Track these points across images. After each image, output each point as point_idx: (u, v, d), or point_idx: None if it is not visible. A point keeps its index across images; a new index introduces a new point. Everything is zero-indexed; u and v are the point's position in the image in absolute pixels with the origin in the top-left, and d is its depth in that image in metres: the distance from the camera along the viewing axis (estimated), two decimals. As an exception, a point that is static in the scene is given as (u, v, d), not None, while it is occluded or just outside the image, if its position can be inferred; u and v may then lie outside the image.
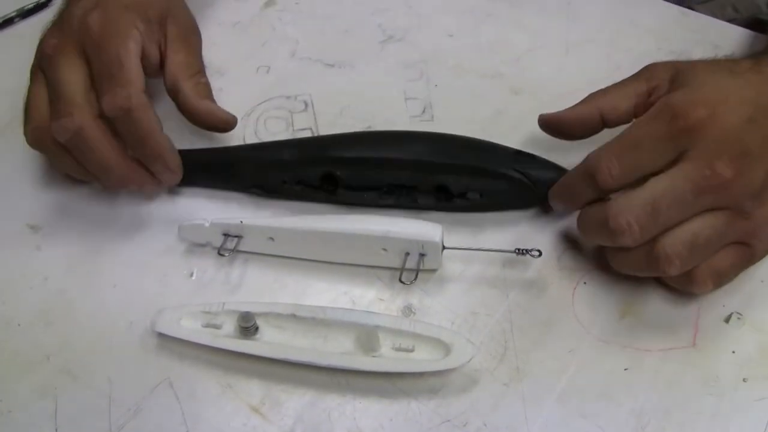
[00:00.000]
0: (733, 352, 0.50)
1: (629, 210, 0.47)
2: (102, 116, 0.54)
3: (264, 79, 0.68)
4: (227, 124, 0.59)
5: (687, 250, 0.47)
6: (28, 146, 0.56)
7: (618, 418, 0.48)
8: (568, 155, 0.56)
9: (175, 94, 0.59)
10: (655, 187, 0.47)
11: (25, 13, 0.74)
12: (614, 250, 0.50)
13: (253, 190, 0.59)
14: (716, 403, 0.48)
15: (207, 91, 0.60)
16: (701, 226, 0.47)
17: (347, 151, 0.57)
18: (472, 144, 0.57)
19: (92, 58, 0.55)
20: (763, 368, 0.50)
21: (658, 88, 0.52)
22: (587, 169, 0.49)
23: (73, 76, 0.55)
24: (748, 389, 0.49)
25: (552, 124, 0.57)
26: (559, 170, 0.56)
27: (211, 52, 0.70)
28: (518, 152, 0.56)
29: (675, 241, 0.47)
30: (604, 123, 0.54)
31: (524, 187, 0.55)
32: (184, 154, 0.59)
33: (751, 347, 0.51)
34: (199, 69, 0.61)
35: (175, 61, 0.59)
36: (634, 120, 0.52)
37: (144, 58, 0.57)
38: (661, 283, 0.53)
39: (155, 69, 0.59)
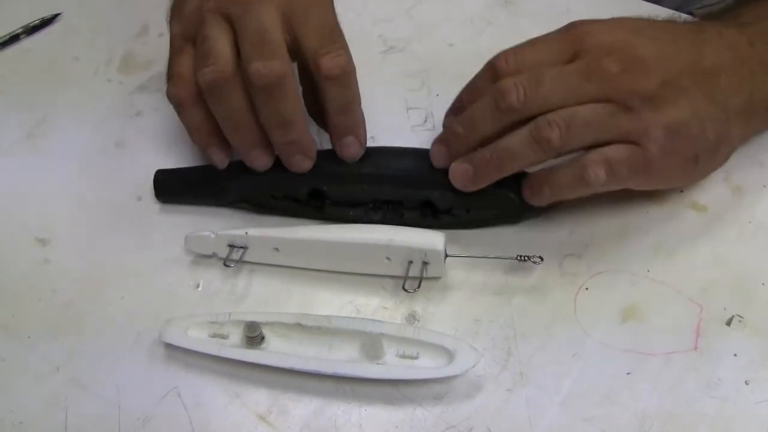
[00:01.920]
0: (735, 355, 0.51)
1: (517, 77, 0.51)
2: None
3: (267, 91, 0.69)
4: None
5: (565, 121, 0.49)
6: (36, 161, 0.57)
7: (621, 422, 0.48)
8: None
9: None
10: (543, 66, 0.51)
11: (31, 30, 0.75)
12: (498, 141, 0.52)
13: (241, 205, 0.60)
14: (719, 406, 0.49)
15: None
16: (583, 109, 0.50)
17: (333, 166, 0.57)
18: None
19: (302, 17, 0.54)
20: (766, 371, 0.50)
21: None
22: (488, 63, 0.54)
23: (276, 24, 0.53)
24: (751, 392, 0.49)
25: None
26: None
27: (215, 65, 0.70)
28: None
29: (556, 114, 0.50)
30: None
31: (511, 202, 0.55)
32: (170, 171, 0.60)
33: (752, 350, 0.51)
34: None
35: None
36: None
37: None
38: (657, 278, 0.53)
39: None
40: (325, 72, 0.53)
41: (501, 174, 0.53)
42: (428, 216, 0.57)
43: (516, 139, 0.51)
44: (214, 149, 0.57)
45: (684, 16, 0.63)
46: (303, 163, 0.56)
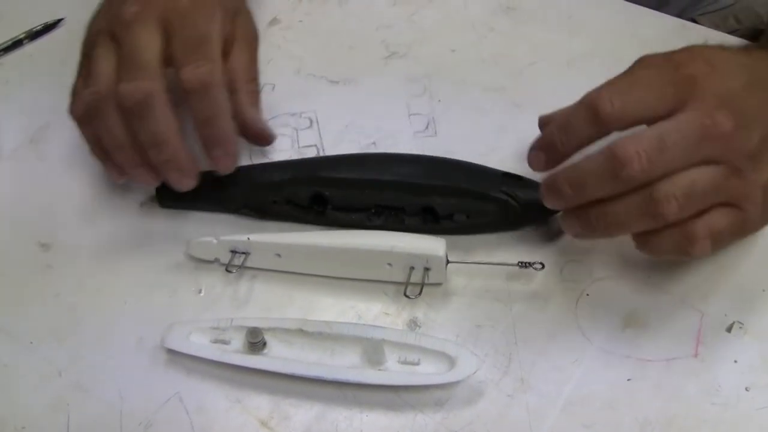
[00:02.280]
0: (736, 361, 0.51)
1: (637, 141, 0.46)
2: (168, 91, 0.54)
3: (269, 97, 0.69)
4: (268, 138, 0.61)
5: (684, 193, 0.46)
6: (39, 166, 0.57)
7: (621, 428, 0.48)
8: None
9: (229, 94, 0.57)
10: (661, 126, 0.47)
11: (34, 35, 0.75)
12: (603, 203, 0.48)
13: (243, 211, 0.60)
14: (719, 412, 0.49)
15: (257, 100, 0.61)
16: (700, 174, 0.47)
17: (336, 172, 0.58)
18: (459, 166, 0.58)
19: (177, 30, 0.55)
20: (766, 377, 0.50)
21: None
22: (588, 101, 0.49)
23: (151, 44, 0.54)
24: (751, 398, 0.49)
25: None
26: None
27: (218, 71, 0.71)
28: (506, 174, 0.57)
29: (674, 183, 0.46)
30: None
31: (511, 208, 0.55)
32: None
33: (753, 356, 0.51)
34: (256, 75, 0.62)
35: (239, 60, 0.60)
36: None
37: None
38: (657, 284, 0.53)
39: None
40: (184, 84, 0.53)
41: (607, 236, 0.52)
42: (429, 221, 0.57)
43: (628, 209, 0.48)
44: (109, 164, 0.57)
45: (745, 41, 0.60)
46: (181, 181, 0.56)
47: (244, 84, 0.60)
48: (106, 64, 0.55)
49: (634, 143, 0.46)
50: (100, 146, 0.56)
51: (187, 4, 0.56)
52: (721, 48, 0.52)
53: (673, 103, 0.47)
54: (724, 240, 0.50)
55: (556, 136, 0.50)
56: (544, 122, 0.58)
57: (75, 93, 0.57)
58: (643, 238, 0.50)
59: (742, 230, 0.50)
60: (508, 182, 0.56)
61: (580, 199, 0.49)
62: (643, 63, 0.51)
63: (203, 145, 0.56)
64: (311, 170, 0.59)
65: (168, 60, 0.55)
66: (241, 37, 0.61)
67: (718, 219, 0.48)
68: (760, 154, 0.48)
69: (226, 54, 0.59)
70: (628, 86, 0.49)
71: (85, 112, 0.55)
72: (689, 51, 0.50)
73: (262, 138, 0.61)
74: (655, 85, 0.48)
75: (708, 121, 0.46)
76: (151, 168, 0.55)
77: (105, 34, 0.56)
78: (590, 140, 0.49)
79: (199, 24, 0.55)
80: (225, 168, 0.57)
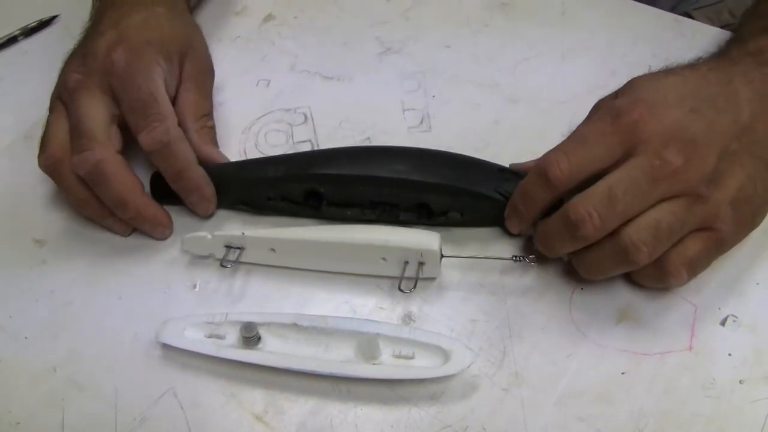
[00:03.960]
0: (730, 354, 0.51)
1: (587, 200, 0.48)
2: (120, 153, 0.56)
3: (264, 93, 0.69)
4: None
5: (651, 235, 0.48)
6: (33, 162, 0.57)
7: (616, 422, 0.49)
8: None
9: None
10: (610, 178, 0.48)
11: (29, 32, 0.75)
12: (581, 254, 0.51)
13: (239, 207, 0.60)
14: (713, 405, 0.49)
15: (211, 136, 0.62)
16: (661, 213, 0.48)
17: (331, 168, 0.57)
18: (455, 161, 0.57)
19: (121, 96, 0.56)
20: (760, 370, 0.50)
21: None
22: (538, 168, 0.50)
23: (94, 111, 0.56)
24: (745, 391, 0.49)
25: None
26: None
27: (212, 67, 0.71)
28: (502, 169, 0.57)
29: (638, 228, 0.48)
30: None
31: (504, 207, 0.55)
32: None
33: (747, 349, 0.51)
34: (207, 111, 0.62)
35: (186, 101, 0.60)
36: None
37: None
38: (646, 288, 0.54)
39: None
40: (145, 149, 0.55)
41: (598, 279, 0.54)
42: (424, 217, 0.57)
43: (602, 259, 0.50)
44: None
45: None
46: (156, 233, 0.58)
47: (193, 123, 0.60)
48: (59, 129, 0.57)
49: (584, 202, 0.48)
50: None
51: (124, 67, 0.56)
52: (665, 75, 0.52)
53: (620, 152, 0.48)
54: (701, 263, 0.51)
55: (519, 204, 0.53)
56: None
57: (40, 147, 0.58)
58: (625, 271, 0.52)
59: (720, 248, 0.51)
60: (503, 179, 0.56)
61: (556, 254, 0.52)
62: (590, 115, 0.53)
63: (179, 195, 0.58)
64: (305, 166, 0.58)
65: (121, 122, 0.57)
66: (188, 76, 0.61)
67: (691, 247, 0.49)
68: (720, 171, 0.48)
69: (175, 97, 0.60)
70: (574, 146, 0.50)
71: (48, 172, 0.57)
72: (630, 93, 0.51)
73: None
74: (600, 139, 0.49)
75: (656, 161, 0.47)
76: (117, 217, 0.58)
77: (57, 99, 0.58)
78: (549, 202, 0.51)
79: (140, 85, 0.56)
80: (204, 211, 0.59)
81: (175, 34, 0.61)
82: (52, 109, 0.58)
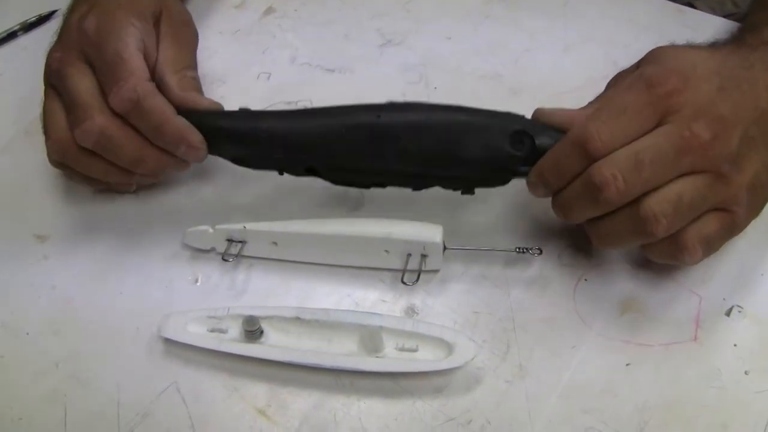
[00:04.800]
0: (735, 345, 0.51)
1: (613, 163, 0.47)
2: (118, 115, 0.54)
3: (265, 86, 0.69)
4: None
5: (672, 209, 0.47)
6: (34, 157, 0.57)
7: (621, 413, 0.48)
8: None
9: (162, 90, 0.57)
10: (637, 144, 0.47)
11: (28, 27, 0.75)
12: (597, 221, 0.50)
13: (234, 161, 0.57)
14: (718, 396, 0.49)
15: (193, 85, 0.60)
16: (684, 186, 0.47)
17: (331, 156, 0.54)
18: (468, 131, 0.52)
19: (94, 61, 0.55)
20: (765, 361, 0.50)
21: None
22: (575, 139, 0.49)
23: (82, 83, 0.55)
24: (750, 382, 0.49)
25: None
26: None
27: (213, 61, 0.71)
28: (516, 133, 0.51)
29: (660, 200, 0.47)
30: None
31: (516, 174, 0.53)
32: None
33: (752, 340, 0.51)
34: (188, 64, 0.61)
35: (164, 57, 0.59)
36: (607, 91, 0.52)
37: (144, 54, 0.57)
38: (655, 269, 0.53)
39: (152, 66, 0.59)
40: (116, 110, 0.54)
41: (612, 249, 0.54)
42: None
43: (619, 227, 0.49)
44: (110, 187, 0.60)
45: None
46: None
47: (173, 74, 0.58)
48: (56, 113, 0.56)
49: (609, 165, 0.47)
50: (90, 181, 0.59)
51: (95, 33, 0.56)
52: (690, 48, 0.52)
53: (653, 122, 0.48)
54: (715, 243, 0.50)
55: (548, 173, 0.51)
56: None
57: (45, 137, 0.57)
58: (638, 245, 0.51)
59: (731, 232, 0.50)
60: (517, 148, 0.51)
61: (574, 220, 0.51)
62: (618, 83, 0.52)
63: (167, 150, 0.56)
64: (305, 149, 0.54)
65: None
66: (164, 34, 0.60)
67: (708, 225, 0.49)
68: (740, 155, 0.48)
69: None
70: (609, 116, 0.48)
71: (58, 163, 0.57)
72: (660, 63, 0.50)
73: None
74: (634, 109, 0.48)
75: (686, 133, 0.47)
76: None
77: (47, 85, 0.58)
78: (581, 172, 0.49)
79: (109, 47, 0.55)
80: (196, 158, 0.57)
81: None
82: (45, 96, 0.58)
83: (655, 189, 0.47)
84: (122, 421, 0.50)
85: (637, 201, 0.47)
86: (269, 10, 0.75)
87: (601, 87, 0.55)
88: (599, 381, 0.50)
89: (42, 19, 0.75)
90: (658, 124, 0.48)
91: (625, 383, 0.50)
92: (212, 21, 0.74)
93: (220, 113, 0.57)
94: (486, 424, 0.48)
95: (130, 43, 0.56)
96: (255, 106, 0.66)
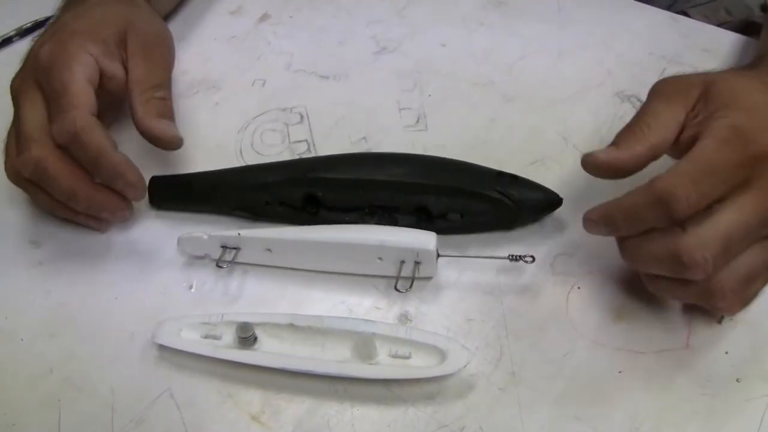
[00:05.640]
0: (726, 352, 0.51)
1: (706, 245, 0.45)
2: (61, 147, 0.55)
3: (260, 93, 0.69)
4: (170, 143, 0.59)
5: (741, 285, 0.46)
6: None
7: (613, 420, 0.48)
8: (559, 169, 0.56)
9: (131, 110, 0.58)
10: (729, 220, 0.45)
11: (24, 32, 0.75)
12: (661, 278, 0.49)
13: (237, 213, 0.60)
14: (710, 403, 0.49)
15: (158, 107, 0.59)
16: (755, 259, 0.46)
17: (329, 172, 0.57)
18: (454, 166, 0.58)
19: (44, 90, 0.56)
20: (756, 368, 0.50)
21: (698, 110, 0.50)
22: (660, 196, 0.45)
23: (30, 112, 0.56)
24: (742, 389, 0.49)
25: (605, 168, 0.50)
26: (543, 190, 0.56)
27: (207, 67, 0.71)
28: (500, 174, 0.56)
29: (733, 277, 0.46)
30: (654, 158, 0.51)
31: (505, 207, 0.55)
32: (165, 178, 0.60)
33: (744, 347, 0.51)
34: (156, 82, 0.60)
35: (132, 77, 0.59)
36: (700, 143, 0.47)
37: (106, 78, 0.58)
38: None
39: (120, 88, 0.59)
40: (58, 142, 0.54)
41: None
42: (423, 221, 0.57)
43: (685, 292, 0.48)
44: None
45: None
46: (115, 215, 0.58)
47: (139, 96, 0.58)
48: (12, 140, 0.57)
49: (703, 248, 0.45)
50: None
51: (47, 61, 0.56)
52: (762, 83, 0.50)
53: (740, 182, 0.46)
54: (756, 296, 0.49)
55: (621, 223, 0.49)
56: (596, 166, 0.51)
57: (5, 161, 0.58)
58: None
59: None
60: (502, 181, 0.56)
61: (641, 270, 0.50)
62: (673, 97, 0.50)
63: (107, 184, 0.56)
64: (304, 171, 0.58)
65: None
66: (132, 53, 0.60)
67: (761, 283, 0.48)
68: None
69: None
70: (702, 176, 0.45)
71: (13, 182, 0.58)
72: (747, 110, 0.48)
73: (163, 144, 0.59)
74: (726, 170, 0.46)
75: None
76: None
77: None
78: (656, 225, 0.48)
79: (57, 77, 0.55)
80: (134, 197, 0.57)
81: (109, 20, 0.60)
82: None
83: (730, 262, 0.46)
84: (116, 426, 0.50)
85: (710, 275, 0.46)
86: (264, 17, 0.76)
87: (595, 94, 0.55)
88: (592, 388, 0.50)
89: (37, 25, 0.76)
90: (743, 183, 0.46)
91: (618, 390, 0.50)
92: (207, 27, 0.75)
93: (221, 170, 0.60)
94: (479, 431, 0.48)
95: (78, 72, 0.56)
96: (250, 112, 0.67)
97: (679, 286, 0.48)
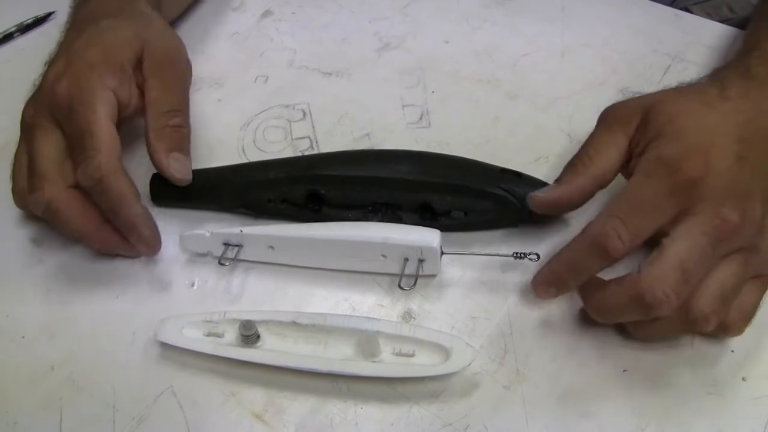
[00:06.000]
0: (732, 351, 0.51)
1: (663, 280, 0.45)
2: (75, 187, 0.54)
3: (262, 89, 0.69)
4: (177, 182, 0.57)
5: (719, 303, 0.46)
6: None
7: (618, 419, 0.48)
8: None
9: (145, 134, 0.57)
10: (678, 249, 0.46)
11: (25, 28, 0.75)
12: (641, 322, 0.49)
13: (239, 210, 0.59)
14: (716, 402, 0.49)
15: (173, 137, 0.57)
16: (725, 275, 0.46)
17: (332, 169, 0.57)
18: (457, 163, 0.57)
19: (65, 127, 0.55)
20: (762, 367, 0.50)
21: (639, 137, 0.51)
22: (593, 240, 0.48)
23: (45, 148, 0.55)
24: (747, 388, 0.49)
25: (549, 205, 0.53)
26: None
27: (210, 64, 0.71)
28: (504, 170, 0.56)
29: (708, 299, 0.46)
30: (600, 187, 0.52)
31: (509, 204, 0.55)
32: None
33: (749, 346, 0.51)
34: (172, 107, 0.58)
35: (149, 100, 0.58)
36: (629, 180, 0.49)
37: (122, 107, 0.57)
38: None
39: (141, 111, 0.58)
40: (81, 185, 0.53)
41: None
42: (427, 219, 0.56)
43: (669, 328, 0.49)
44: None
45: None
46: (130, 252, 0.57)
47: (154, 122, 0.57)
48: (21, 168, 0.56)
49: (660, 284, 0.45)
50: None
51: (66, 99, 0.55)
52: (702, 105, 0.50)
53: (676, 211, 0.47)
54: (756, 309, 0.49)
55: (564, 272, 0.50)
56: (540, 205, 0.53)
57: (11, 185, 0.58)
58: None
59: (766, 290, 0.50)
60: (506, 178, 0.55)
61: (613, 322, 0.51)
62: (614, 125, 0.51)
63: (122, 233, 0.55)
64: (307, 168, 0.58)
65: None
66: (148, 75, 0.58)
67: (748, 300, 0.48)
68: (764, 217, 0.47)
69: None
70: (630, 212, 0.47)
71: (20, 208, 0.58)
72: (676, 137, 0.48)
73: (171, 180, 0.57)
74: (658, 202, 0.47)
75: (716, 221, 0.46)
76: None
77: (21, 133, 0.58)
78: (600, 270, 0.49)
79: (79, 115, 0.54)
80: (146, 252, 0.57)
81: (123, 43, 0.58)
82: (19, 143, 0.58)
83: (699, 286, 0.46)
84: (118, 425, 0.50)
85: (685, 304, 0.46)
86: (267, 13, 0.75)
87: (597, 92, 0.55)
88: (597, 386, 0.50)
89: (38, 21, 0.75)
90: (682, 212, 0.46)
91: (622, 388, 0.49)
92: (210, 24, 0.74)
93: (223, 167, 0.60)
94: (483, 430, 0.48)
95: (101, 112, 0.54)
96: (253, 109, 0.67)
97: (664, 325, 0.48)
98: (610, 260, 0.47)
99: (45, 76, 0.58)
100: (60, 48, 0.60)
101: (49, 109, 0.55)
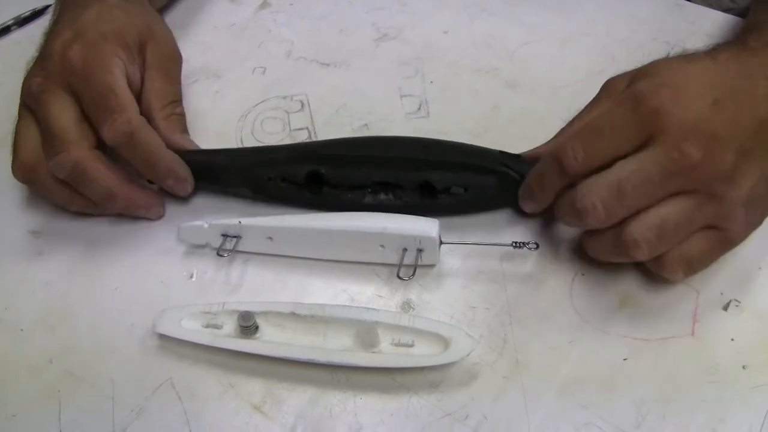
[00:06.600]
0: (732, 339, 0.50)
1: (594, 191, 0.47)
2: (96, 147, 0.55)
3: (260, 80, 0.68)
4: (183, 187, 0.59)
5: (655, 235, 0.47)
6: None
7: (618, 408, 0.48)
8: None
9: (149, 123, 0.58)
10: (622, 169, 0.47)
11: (22, 21, 0.75)
12: (587, 234, 0.51)
13: (239, 191, 0.59)
14: (716, 391, 0.48)
15: (179, 123, 0.61)
16: (670, 210, 0.47)
17: (332, 149, 0.57)
18: (457, 145, 0.57)
19: (81, 92, 0.55)
20: (762, 355, 0.50)
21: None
22: (554, 157, 0.49)
23: (61, 112, 0.55)
24: (748, 377, 0.49)
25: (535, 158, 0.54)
26: None
27: (207, 55, 0.70)
28: (503, 152, 0.56)
29: (642, 226, 0.47)
30: None
31: (510, 180, 0.55)
32: None
33: (750, 334, 0.51)
34: (174, 98, 0.61)
35: (151, 89, 0.60)
36: (594, 103, 0.53)
37: (128, 84, 0.57)
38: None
39: (136, 95, 0.59)
40: (109, 143, 0.54)
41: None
42: (427, 197, 0.56)
43: (604, 245, 0.50)
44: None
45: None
46: (152, 215, 0.59)
47: (159, 111, 0.59)
48: (28, 136, 0.56)
49: (590, 193, 0.47)
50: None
51: (81, 64, 0.55)
52: (687, 61, 0.50)
53: (638, 141, 0.47)
54: (704, 262, 0.50)
55: (534, 186, 0.53)
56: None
57: (13, 156, 0.57)
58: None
59: (725, 249, 0.50)
60: (505, 159, 0.55)
61: (571, 226, 0.53)
62: (607, 92, 0.53)
63: (155, 182, 0.58)
64: (308, 149, 0.58)
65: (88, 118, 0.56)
66: (150, 65, 0.60)
67: (695, 246, 0.48)
68: (736, 170, 0.46)
69: (141, 85, 0.60)
70: (591, 135, 0.48)
71: (25, 181, 0.58)
72: (651, 78, 0.48)
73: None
74: (619, 127, 0.47)
75: (674, 154, 0.45)
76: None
77: (23, 106, 0.58)
78: (565, 188, 0.50)
79: (98, 80, 0.55)
80: (183, 191, 0.58)
81: (132, 24, 0.60)
82: (19, 117, 0.58)
83: (639, 212, 0.47)
84: (117, 417, 0.50)
85: (621, 224, 0.47)
86: (264, 4, 0.75)
87: (598, 81, 0.55)
88: (597, 376, 0.49)
89: (36, 14, 0.75)
90: (646, 143, 0.47)
91: (623, 378, 0.49)
92: (207, 15, 0.74)
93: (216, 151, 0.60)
94: (483, 420, 0.48)
95: (119, 76, 0.56)
96: (251, 100, 0.67)
97: (602, 241, 0.50)
98: (567, 177, 0.49)
99: (48, 45, 0.58)
100: (60, 21, 0.60)
101: (62, 75, 0.56)
